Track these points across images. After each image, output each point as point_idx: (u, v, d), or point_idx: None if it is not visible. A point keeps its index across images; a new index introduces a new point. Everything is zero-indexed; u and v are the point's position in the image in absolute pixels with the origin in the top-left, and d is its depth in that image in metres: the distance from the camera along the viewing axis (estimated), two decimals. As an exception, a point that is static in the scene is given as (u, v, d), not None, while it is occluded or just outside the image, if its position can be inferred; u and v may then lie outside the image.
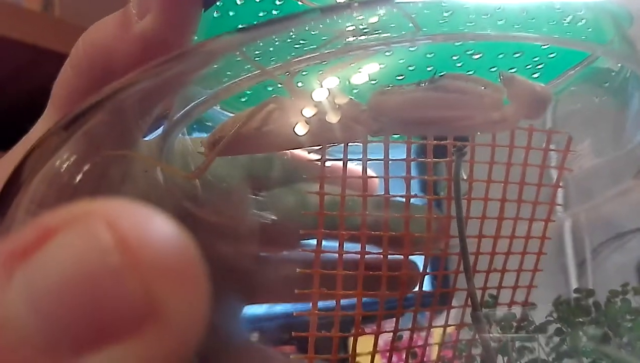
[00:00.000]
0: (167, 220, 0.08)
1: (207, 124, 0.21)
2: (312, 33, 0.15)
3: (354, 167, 0.21)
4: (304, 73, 0.17)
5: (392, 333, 0.22)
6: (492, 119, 0.14)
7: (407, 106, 0.15)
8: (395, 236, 0.21)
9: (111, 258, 0.07)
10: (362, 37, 0.15)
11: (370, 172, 0.21)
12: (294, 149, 0.17)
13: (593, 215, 0.29)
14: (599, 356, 0.22)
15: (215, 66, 0.17)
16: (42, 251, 0.08)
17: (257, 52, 0.16)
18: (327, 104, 0.15)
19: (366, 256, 0.21)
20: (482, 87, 0.15)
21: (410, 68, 0.19)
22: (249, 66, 0.16)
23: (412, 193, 0.21)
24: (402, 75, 0.19)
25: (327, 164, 0.19)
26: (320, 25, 0.15)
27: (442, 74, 0.15)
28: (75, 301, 0.07)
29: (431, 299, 0.23)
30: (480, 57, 0.19)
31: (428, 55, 0.19)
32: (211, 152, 0.16)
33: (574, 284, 0.41)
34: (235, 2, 0.18)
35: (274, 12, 0.18)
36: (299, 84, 0.17)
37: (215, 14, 0.18)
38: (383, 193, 0.21)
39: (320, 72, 0.15)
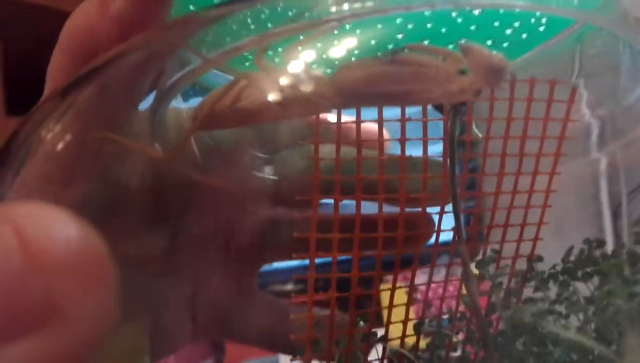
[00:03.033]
0: (74, 223, 0.09)
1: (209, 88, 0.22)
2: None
3: (366, 125, 0.21)
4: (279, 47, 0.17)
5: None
6: (450, 90, 0.14)
7: (367, 80, 0.15)
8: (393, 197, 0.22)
9: (14, 261, 0.08)
10: (337, 8, 0.15)
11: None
12: (266, 122, 0.18)
13: (629, 155, 0.29)
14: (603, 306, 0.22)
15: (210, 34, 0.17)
16: None
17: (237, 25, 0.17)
18: (294, 79, 0.15)
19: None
20: (442, 58, 0.15)
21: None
22: (249, 32, 0.17)
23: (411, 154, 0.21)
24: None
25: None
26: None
27: (404, 46, 0.15)
28: None
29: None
30: (475, 27, 0.19)
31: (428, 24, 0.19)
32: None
33: (609, 231, 0.40)
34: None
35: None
36: (276, 60, 0.17)
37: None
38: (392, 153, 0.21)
39: (285, 48, 0.15)
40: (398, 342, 0.23)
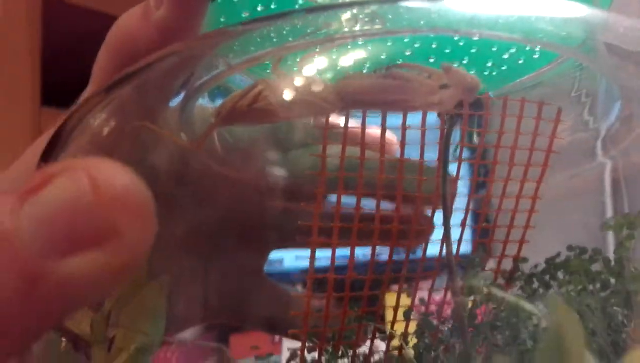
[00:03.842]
0: (128, 172, 0.12)
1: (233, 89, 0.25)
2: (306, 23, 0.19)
3: (373, 130, 0.24)
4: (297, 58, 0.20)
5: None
6: (431, 102, 0.17)
7: (364, 89, 0.18)
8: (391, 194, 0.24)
9: (86, 196, 0.11)
10: (347, 29, 0.18)
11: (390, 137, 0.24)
12: (279, 121, 0.21)
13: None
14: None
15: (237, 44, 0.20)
16: (44, 190, 0.11)
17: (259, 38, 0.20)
18: (304, 85, 0.18)
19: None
20: (427, 74, 0.17)
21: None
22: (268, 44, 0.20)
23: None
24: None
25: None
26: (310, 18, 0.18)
27: (396, 63, 0.17)
28: (61, 222, 0.11)
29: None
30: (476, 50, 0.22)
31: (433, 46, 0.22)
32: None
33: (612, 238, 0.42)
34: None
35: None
36: (293, 68, 0.20)
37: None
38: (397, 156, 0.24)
39: (300, 58, 0.18)
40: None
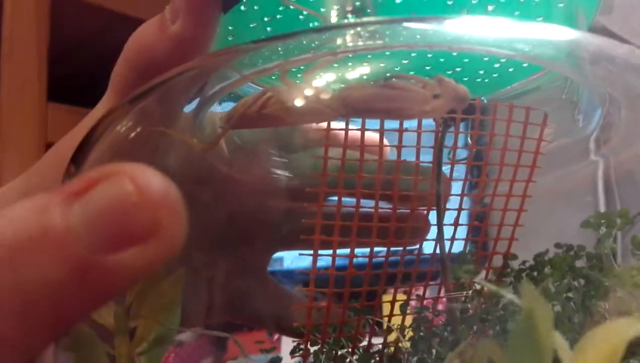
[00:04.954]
0: (162, 176, 0.13)
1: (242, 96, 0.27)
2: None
3: (372, 134, 0.26)
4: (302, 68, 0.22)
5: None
6: (425, 110, 0.19)
7: (364, 98, 0.20)
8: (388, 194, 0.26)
9: (133, 198, 0.13)
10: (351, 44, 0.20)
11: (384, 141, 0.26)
12: (285, 126, 0.22)
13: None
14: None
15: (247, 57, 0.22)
16: (91, 192, 0.13)
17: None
18: (309, 93, 0.20)
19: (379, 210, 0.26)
20: (421, 85, 0.19)
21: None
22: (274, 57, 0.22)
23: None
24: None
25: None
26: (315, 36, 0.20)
27: (393, 74, 0.19)
28: (111, 221, 0.13)
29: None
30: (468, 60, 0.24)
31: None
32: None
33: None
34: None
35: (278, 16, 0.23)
36: (299, 75, 0.22)
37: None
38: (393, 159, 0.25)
39: (306, 69, 0.20)
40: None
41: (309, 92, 0.20)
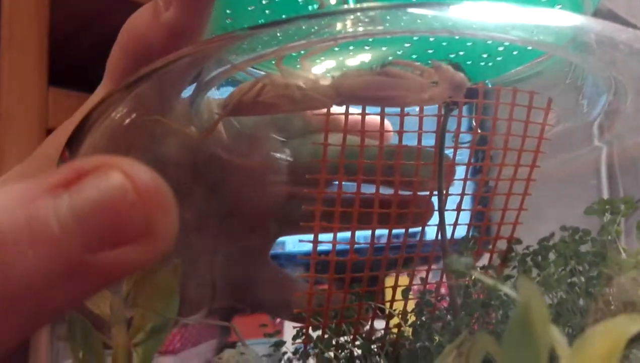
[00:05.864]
0: (152, 172, 0.13)
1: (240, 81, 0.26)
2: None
3: (373, 118, 0.25)
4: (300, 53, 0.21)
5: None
6: (422, 98, 0.18)
7: (360, 85, 0.19)
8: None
9: (129, 196, 0.12)
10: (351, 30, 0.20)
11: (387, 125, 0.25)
12: (282, 113, 0.22)
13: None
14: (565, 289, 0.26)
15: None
16: (81, 184, 0.12)
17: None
18: (304, 80, 0.19)
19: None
20: (419, 72, 0.19)
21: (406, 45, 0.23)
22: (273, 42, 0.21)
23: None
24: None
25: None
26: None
27: (390, 61, 0.19)
28: (105, 218, 0.12)
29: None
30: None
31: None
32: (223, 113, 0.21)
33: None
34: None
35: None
36: (297, 65, 0.21)
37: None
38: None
39: (303, 55, 0.20)
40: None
41: (304, 79, 0.19)
